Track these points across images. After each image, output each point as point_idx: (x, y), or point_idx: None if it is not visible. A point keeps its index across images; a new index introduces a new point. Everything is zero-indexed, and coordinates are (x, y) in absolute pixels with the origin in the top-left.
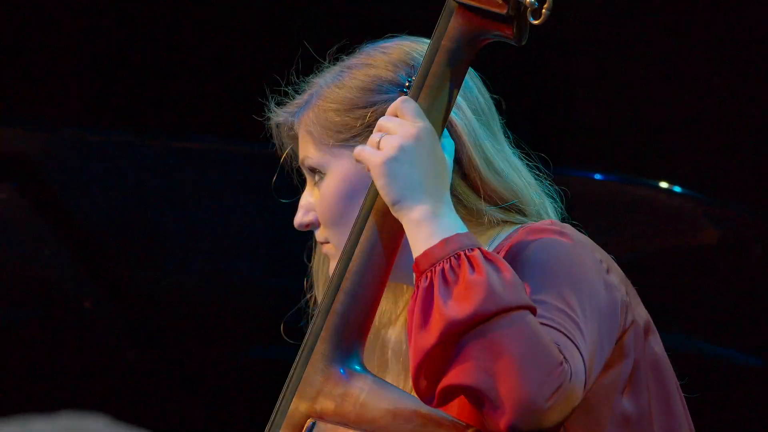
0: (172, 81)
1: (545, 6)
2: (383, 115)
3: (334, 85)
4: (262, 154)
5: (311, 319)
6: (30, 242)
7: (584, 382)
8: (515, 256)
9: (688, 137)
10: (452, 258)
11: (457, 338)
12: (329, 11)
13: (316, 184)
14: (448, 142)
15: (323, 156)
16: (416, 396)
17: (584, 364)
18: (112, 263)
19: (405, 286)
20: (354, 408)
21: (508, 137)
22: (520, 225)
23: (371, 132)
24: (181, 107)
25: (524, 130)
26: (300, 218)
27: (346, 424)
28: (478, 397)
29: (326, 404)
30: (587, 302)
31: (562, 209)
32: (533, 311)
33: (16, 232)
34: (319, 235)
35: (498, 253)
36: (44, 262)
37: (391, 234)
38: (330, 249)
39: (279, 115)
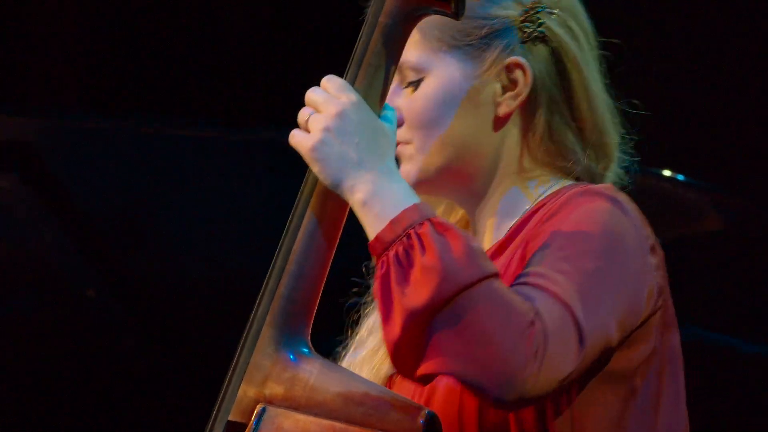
0: (170, 68)
1: None
2: (499, 30)
3: None
4: (262, 140)
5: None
6: (31, 230)
7: (577, 341)
8: (562, 209)
9: (692, 126)
10: (404, 239)
11: (421, 326)
12: None
13: (408, 83)
14: (390, 113)
15: (429, 56)
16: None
17: (577, 324)
18: (114, 251)
19: None
20: (304, 392)
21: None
22: (576, 183)
23: (485, 44)
24: (181, 94)
25: None
26: None
27: (296, 409)
28: (457, 380)
29: (275, 389)
30: (613, 272)
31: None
32: (495, 276)
33: (17, 221)
34: (401, 134)
35: (543, 207)
36: (46, 251)
37: (334, 214)
38: (409, 149)
39: None
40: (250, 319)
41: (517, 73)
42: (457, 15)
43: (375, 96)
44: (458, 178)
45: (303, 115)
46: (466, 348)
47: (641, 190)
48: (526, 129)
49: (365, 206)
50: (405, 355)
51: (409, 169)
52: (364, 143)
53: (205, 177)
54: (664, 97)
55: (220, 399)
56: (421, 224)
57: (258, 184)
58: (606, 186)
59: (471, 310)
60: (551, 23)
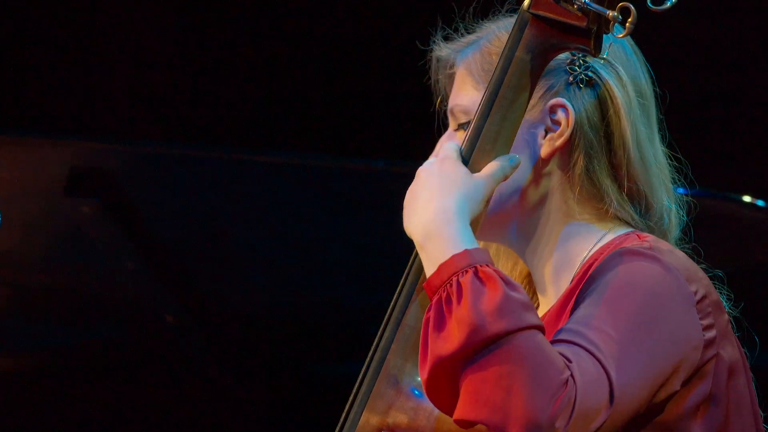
0: (252, 98)
1: (629, 20)
2: (547, 70)
3: (506, 32)
4: (342, 168)
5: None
6: (112, 256)
7: (608, 400)
8: (601, 273)
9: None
10: (447, 286)
11: (448, 373)
12: None
13: (459, 127)
14: (513, 160)
15: (479, 99)
16: None
17: (609, 381)
18: (194, 278)
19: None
20: (428, 422)
21: (662, 133)
22: (632, 230)
23: None
24: (259, 122)
25: None
26: None
27: None
28: (486, 427)
29: (399, 418)
30: (650, 334)
31: (685, 221)
32: (533, 328)
33: (98, 247)
34: None
35: (597, 258)
36: (126, 276)
37: None
38: None
39: (442, 49)
40: (374, 347)
41: (560, 114)
42: (597, 53)
43: (509, 129)
44: (502, 221)
45: None
46: (494, 395)
47: (720, 216)
48: (566, 170)
49: (421, 249)
50: (435, 399)
51: None
52: (436, 189)
53: (288, 204)
54: (747, 122)
55: (340, 426)
56: (465, 272)
57: (343, 212)
58: (647, 244)
59: (502, 360)
60: (599, 68)
